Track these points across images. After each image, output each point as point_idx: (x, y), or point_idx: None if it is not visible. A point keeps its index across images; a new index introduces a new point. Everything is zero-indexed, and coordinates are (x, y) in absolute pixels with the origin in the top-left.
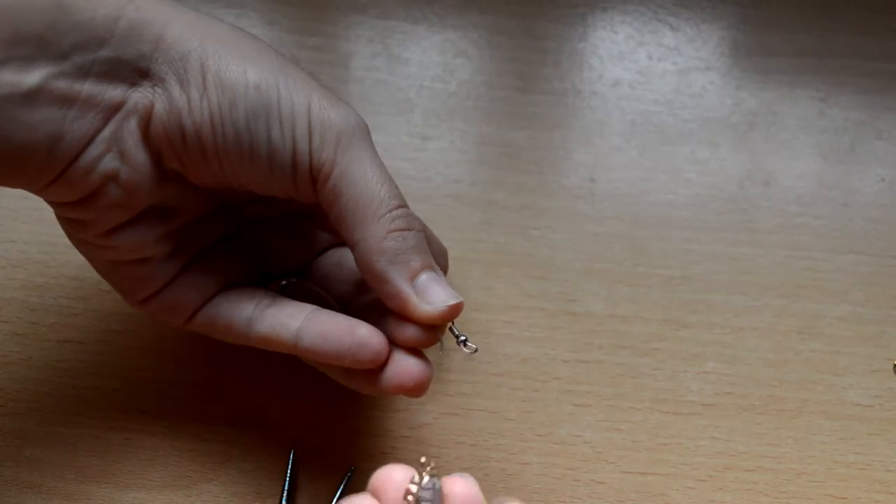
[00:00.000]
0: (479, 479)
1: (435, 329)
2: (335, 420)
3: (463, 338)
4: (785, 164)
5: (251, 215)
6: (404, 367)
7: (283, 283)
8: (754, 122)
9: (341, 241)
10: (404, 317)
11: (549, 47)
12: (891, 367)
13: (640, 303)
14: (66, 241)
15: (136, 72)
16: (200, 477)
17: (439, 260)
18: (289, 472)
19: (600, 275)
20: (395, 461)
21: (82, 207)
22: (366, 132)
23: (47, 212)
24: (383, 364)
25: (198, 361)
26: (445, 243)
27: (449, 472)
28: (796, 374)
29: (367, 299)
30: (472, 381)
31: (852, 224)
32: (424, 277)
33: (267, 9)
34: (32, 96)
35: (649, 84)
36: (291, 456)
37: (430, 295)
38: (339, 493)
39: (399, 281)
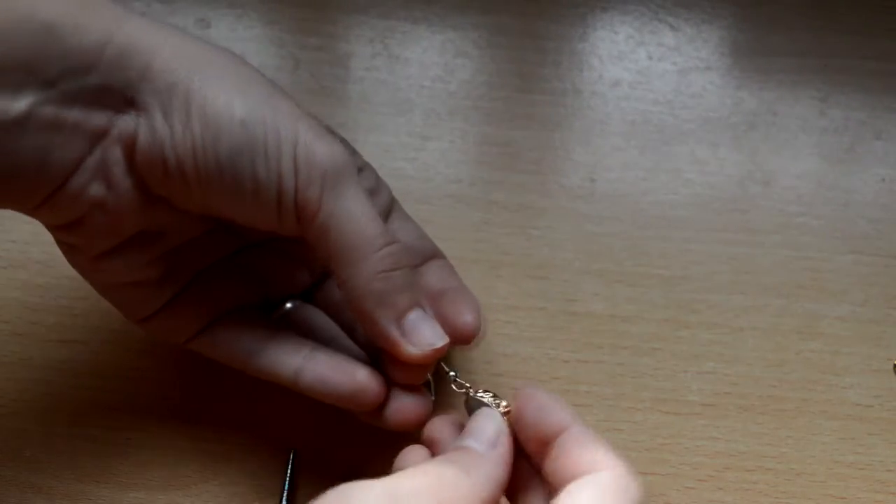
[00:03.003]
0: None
1: (424, 366)
2: (335, 420)
3: (453, 374)
4: (785, 164)
5: (248, 237)
6: (403, 407)
7: (288, 306)
8: (754, 122)
9: None
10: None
11: (549, 47)
12: (891, 367)
13: (640, 303)
14: None
15: (122, 99)
16: (200, 477)
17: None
18: (289, 472)
19: (600, 275)
20: (395, 461)
21: (71, 232)
22: (352, 167)
23: None
24: (383, 403)
25: (198, 362)
26: (445, 243)
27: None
28: (796, 374)
29: None
30: (471, 381)
31: (852, 224)
32: (412, 317)
33: (267, 9)
34: (19, 123)
35: (649, 84)
36: (291, 456)
37: (416, 336)
38: None
39: (385, 323)
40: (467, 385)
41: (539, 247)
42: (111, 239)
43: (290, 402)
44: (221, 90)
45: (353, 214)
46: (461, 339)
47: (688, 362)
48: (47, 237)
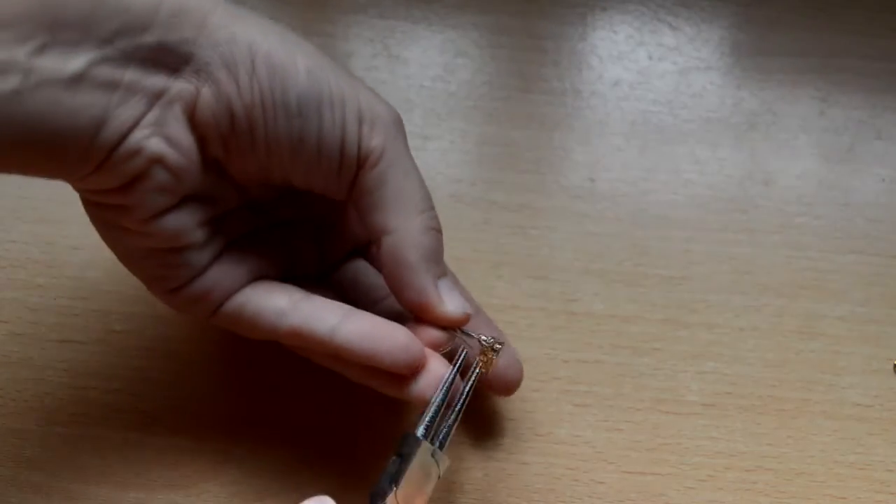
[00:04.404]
0: (478, 479)
1: (447, 332)
2: (336, 419)
3: (475, 335)
4: (785, 164)
5: (276, 215)
6: (432, 382)
7: None
8: (754, 122)
9: (353, 252)
10: (421, 316)
11: (549, 47)
12: (891, 367)
13: (640, 303)
14: (67, 241)
15: (179, 57)
16: (200, 477)
17: None
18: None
19: (600, 275)
20: None
21: (126, 192)
22: (404, 129)
23: (47, 212)
24: (415, 372)
25: (198, 361)
26: (445, 243)
27: (450, 472)
28: (796, 374)
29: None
30: None
31: (852, 224)
32: (444, 281)
33: (267, 9)
34: (76, 82)
35: (649, 84)
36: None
37: (449, 299)
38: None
39: (427, 278)
40: (493, 339)
41: (539, 247)
42: (167, 198)
43: (290, 401)
44: (281, 43)
45: (410, 169)
46: (504, 388)
47: (688, 362)
48: (47, 237)
